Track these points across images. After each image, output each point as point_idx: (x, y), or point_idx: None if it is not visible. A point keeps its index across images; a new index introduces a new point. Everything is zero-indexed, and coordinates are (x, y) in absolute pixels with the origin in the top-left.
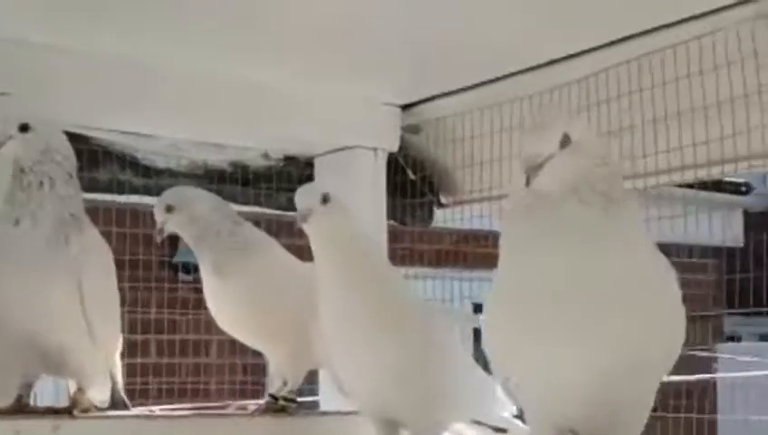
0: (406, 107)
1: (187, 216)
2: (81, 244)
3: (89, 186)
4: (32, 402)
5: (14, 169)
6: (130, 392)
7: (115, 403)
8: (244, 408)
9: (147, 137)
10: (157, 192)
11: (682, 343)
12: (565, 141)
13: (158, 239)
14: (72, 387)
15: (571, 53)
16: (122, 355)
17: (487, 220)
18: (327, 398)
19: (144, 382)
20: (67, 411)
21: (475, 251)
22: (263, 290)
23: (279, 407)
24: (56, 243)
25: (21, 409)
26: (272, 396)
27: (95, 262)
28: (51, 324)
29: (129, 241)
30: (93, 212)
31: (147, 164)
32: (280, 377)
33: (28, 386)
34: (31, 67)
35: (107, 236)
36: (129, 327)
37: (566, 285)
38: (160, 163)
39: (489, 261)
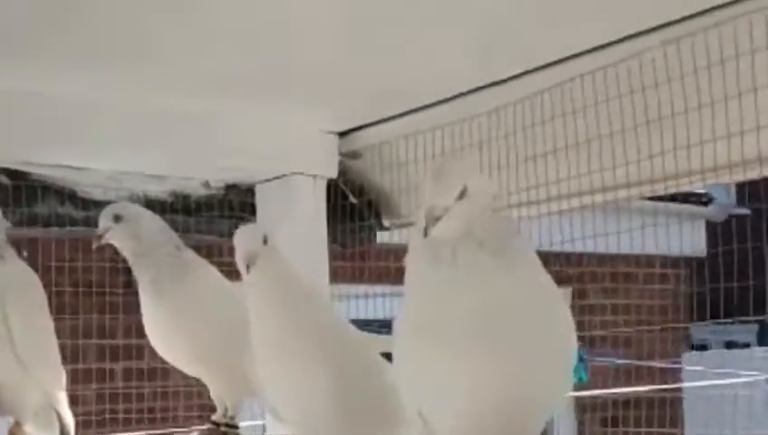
0: (344, 133)
1: (132, 229)
2: (4, 277)
3: (28, 220)
4: None
5: None
6: (100, 421)
7: None
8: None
9: (85, 170)
10: (97, 224)
11: (571, 380)
12: (463, 193)
13: (95, 245)
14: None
15: (514, 73)
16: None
17: None
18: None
19: (113, 410)
20: None
21: None
22: (197, 311)
23: (220, 433)
24: None
25: None
26: (213, 423)
27: (21, 295)
28: None
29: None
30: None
31: (85, 197)
32: (221, 403)
33: None
34: None
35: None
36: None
37: (467, 322)
38: (99, 195)
39: None
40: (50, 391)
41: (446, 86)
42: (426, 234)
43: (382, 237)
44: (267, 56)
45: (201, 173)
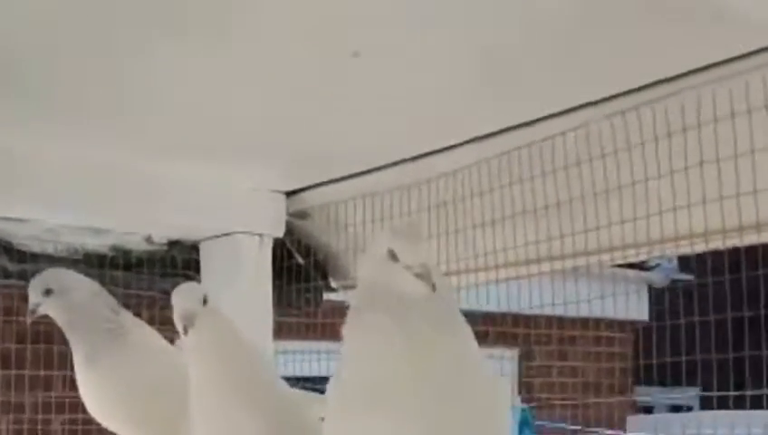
0: (291, 193)
1: (64, 301)
2: None
3: None
4: None
5: None
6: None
7: None
8: None
9: (21, 222)
10: (33, 277)
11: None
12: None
13: (29, 320)
14: None
15: (461, 141)
16: None
17: None
18: None
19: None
20: None
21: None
22: (132, 377)
23: None
24: None
25: None
26: None
27: None
28: None
29: None
30: None
31: (22, 249)
32: None
33: None
34: None
35: None
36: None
37: (402, 393)
38: (36, 248)
39: None
40: None
41: (395, 150)
42: (434, 288)
43: (329, 298)
44: (212, 114)
45: (144, 229)
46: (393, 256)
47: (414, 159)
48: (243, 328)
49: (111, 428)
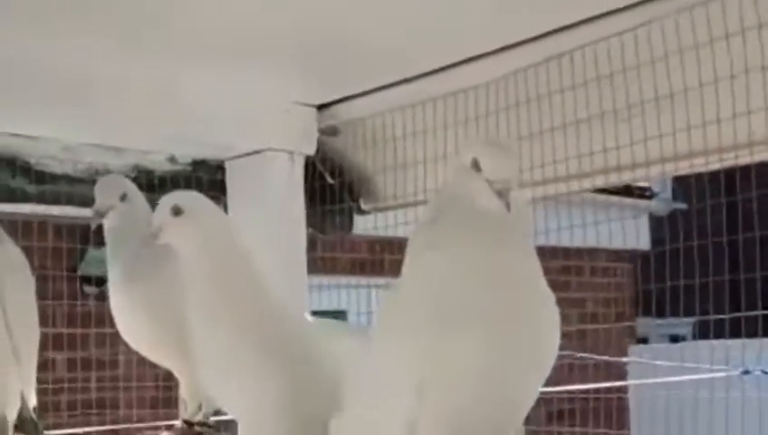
0: (322, 107)
1: (136, 208)
2: (4, 263)
3: None
4: None
5: None
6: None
7: (22, 422)
8: None
9: (37, 140)
10: (53, 200)
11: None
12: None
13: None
14: None
15: (488, 50)
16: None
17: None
18: None
19: (56, 400)
20: None
21: (393, 259)
22: (170, 298)
23: (194, 433)
24: None
25: None
26: (185, 422)
27: (16, 275)
28: None
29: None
30: None
31: (40, 169)
32: (193, 400)
33: None
34: None
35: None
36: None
37: (471, 306)
38: (55, 168)
39: None
40: (27, 373)
41: (429, 58)
42: (509, 208)
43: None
44: (239, 16)
45: (165, 146)
46: (476, 166)
47: (445, 68)
48: (273, 255)
49: (148, 353)
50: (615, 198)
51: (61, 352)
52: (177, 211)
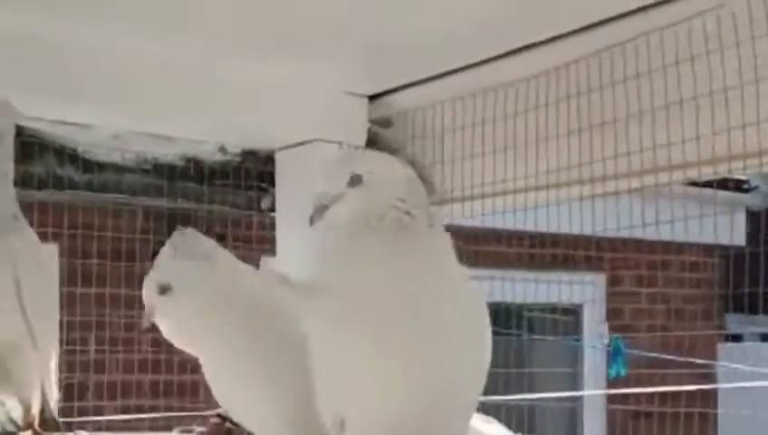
0: (374, 97)
1: None
2: (18, 243)
3: (23, 181)
4: None
5: None
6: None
7: (45, 422)
8: (189, 431)
9: (86, 128)
10: (100, 188)
11: (487, 368)
12: (355, 180)
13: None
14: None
15: (552, 35)
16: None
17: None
18: None
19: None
20: None
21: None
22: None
23: (226, 429)
24: None
25: None
26: (219, 416)
27: (33, 260)
28: None
29: None
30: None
31: (88, 158)
32: None
33: None
34: None
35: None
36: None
37: (373, 309)
38: (103, 157)
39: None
40: (46, 364)
41: (490, 44)
42: (311, 223)
43: None
44: (291, 4)
45: (215, 136)
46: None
47: (503, 56)
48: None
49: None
50: (708, 191)
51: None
52: (163, 290)
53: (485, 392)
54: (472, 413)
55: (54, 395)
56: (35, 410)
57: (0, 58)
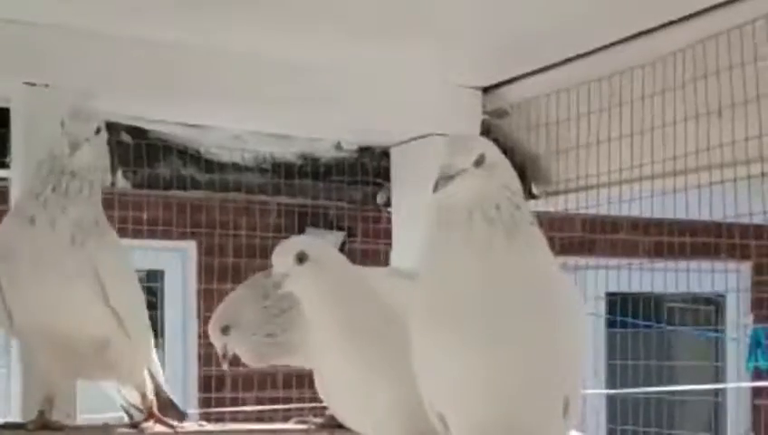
0: (488, 89)
1: None
2: (98, 247)
3: (149, 181)
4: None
5: (53, 167)
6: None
7: (163, 405)
8: (303, 422)
9: (208, 129)
10: (221, 188)
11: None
12: (480, 161)
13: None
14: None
15: (668, 20)
16: None
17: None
18: None
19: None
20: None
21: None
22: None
23: (337, 423)
24: (72, 244)
25: (46, 425)
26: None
27: (111, 256)
28: (79, 320)
29: None
30: None
31: (210, 158)
32: None
33: (50, 400)
34: (80, 56)
35: None
36: None
37: (481, 313)
38: (224, 157)
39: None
40: (146, 353)
41: (605, 32)
42: (435, 189)
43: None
44: (406, 2)
45: (331, 133)
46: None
47: (620, 42)
48: None
49: None
50: None
51: None
52: (301, 258)
53: (622, 385)
54: (572, 407)
55: (163, 382)
56: (150, 395)
57: (125, 63)
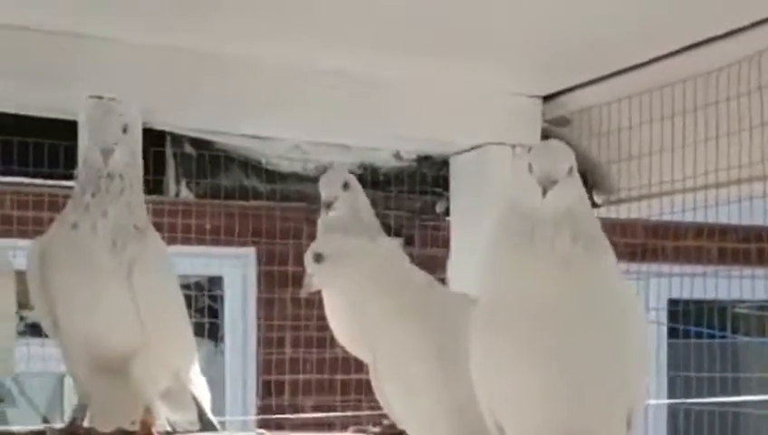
0: (548, 97)
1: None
2: (137, 248)
3: (212, 192)
4: None
5: (89, 172)
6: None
7: (204, 425)
8: (363, 431)
9: (268, 140)
10: (282, 198)
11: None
12: (571, 170)
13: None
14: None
15: (723, 32)
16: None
17: None
18: None
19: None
20: None
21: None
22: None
23: (398, 431)
24: (113, 248)
25: (75, 432)
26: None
27: (151, 264)
28: (110, 328)
29: None
30: None
31: (271, 169)
32: None
33: (83, 407)
34: (145, 70)
35: None
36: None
37: (549, 324)
38: (285, 167)
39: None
40: (183, 369)
41: (667, 41)
42: (544, 194)
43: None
44: (462, 11)
45: (391, 143)
46: (530, 170)
47: (684, 50)
48: None
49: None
50: None
51: None
52: (318, 258)
53: (685, 395)
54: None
55: (206, 396)
56: (173, 416)
57: (189, 77)
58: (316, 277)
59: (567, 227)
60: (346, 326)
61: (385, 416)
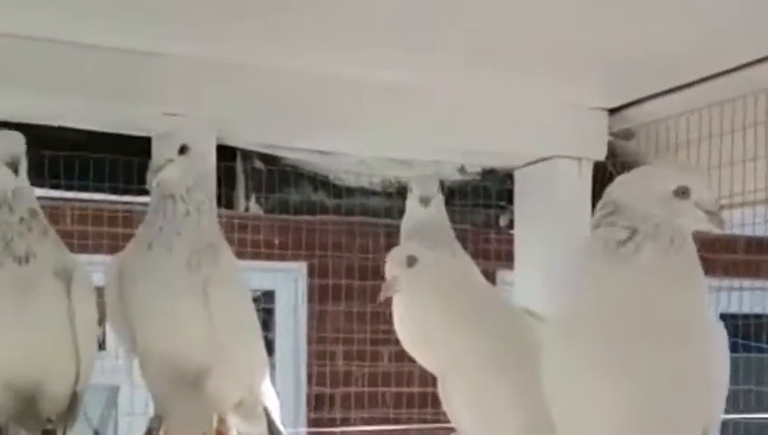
0: (614, 111)
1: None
2: (211, 267)
3: (280, 207)
4: None
5: (161, 193)
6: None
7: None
8: None
9: (334, 155)
10: (348, 212)
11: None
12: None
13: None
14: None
15: None
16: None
17: None
18: None
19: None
20: None
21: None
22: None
23: None
24: (188, 267)
25: None
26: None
27: (225, 282)
28: (186, 344)
29: None
30: None
31: (338, 183)
32: None
33: (159, 419)
34: (217, 87)
35: None
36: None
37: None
38: (351, 182)
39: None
40: (255, 383)
41: (735, 54)
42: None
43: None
44: (528, 23)
45: (455, 157)
46: (683, 193)
47: (754, 63)
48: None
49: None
50: None
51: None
52: (411, 262)
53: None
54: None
55: (276, 406)
56: (235, 421)
57: (259, 93)
58: (404, 280)
59: (661, 245)
60: (416, 334)
61: (439, 429)
